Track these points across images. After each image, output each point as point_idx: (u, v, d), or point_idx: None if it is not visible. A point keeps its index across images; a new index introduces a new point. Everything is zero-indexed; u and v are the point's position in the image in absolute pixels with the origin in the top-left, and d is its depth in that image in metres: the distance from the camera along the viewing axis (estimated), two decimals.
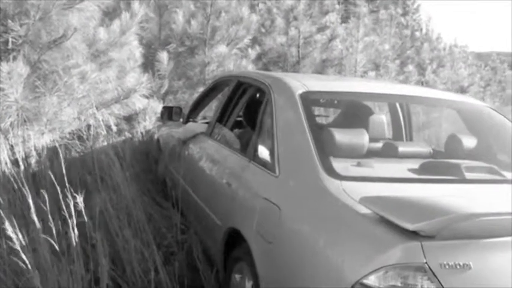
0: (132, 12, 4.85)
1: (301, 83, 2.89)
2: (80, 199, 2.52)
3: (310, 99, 2.74)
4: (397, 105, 4.03)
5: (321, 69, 9.15)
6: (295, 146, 2.52)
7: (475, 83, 13.98)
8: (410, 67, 10.35)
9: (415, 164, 2.64)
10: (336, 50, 9.52)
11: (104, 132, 3.73)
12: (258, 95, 3.94)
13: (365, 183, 2.20)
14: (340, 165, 2.32)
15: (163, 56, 6.41)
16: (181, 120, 4.77)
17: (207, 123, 4.54)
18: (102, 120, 4.10)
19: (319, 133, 2.51)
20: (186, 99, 6.80)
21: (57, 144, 3.16)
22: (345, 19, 11.34)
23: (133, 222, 3.30)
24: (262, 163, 2.69)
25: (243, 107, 3.80)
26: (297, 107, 2.64)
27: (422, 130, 4.19)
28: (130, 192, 3.31)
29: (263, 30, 9.54)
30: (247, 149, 3.02)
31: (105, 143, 3.92)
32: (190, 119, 4.72)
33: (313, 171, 2.26)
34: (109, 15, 5.24)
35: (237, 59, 7.25)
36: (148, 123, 5.21)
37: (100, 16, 4.61)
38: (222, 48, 6.88)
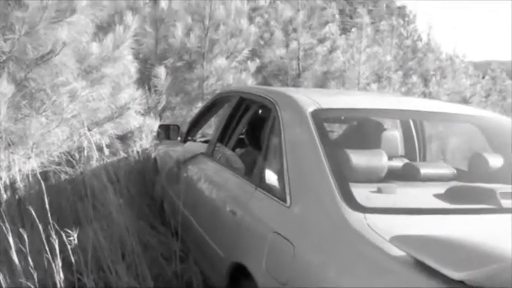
0: (126, 25, 4.58)
1: (311, 99, 2.61)
2: (74, 235, 2.24)
3: (322, 118, 2.46)
4: (410, 120, 3.75)
5: (323, 82, 8.89)
6: (308, 171, 2.23)
7: (477, 93, 13.76)
8: (414, 78, 10.10)
9: (441, 189, 2.35)
10: (337, 62, 9.27)
11: (96, 155, 3.43)
12: (262, 113, 3.67)
13: (392, 217, 1.90)
14: (360, 193, 2.03)
15: (161, 70, 6.15)
16: (179, 138, 4.49)
17: (206, 141, 4.27)
18: (94, 142, 3.82)
19: (335, 156, 2.22)
20: (184, 115, 6.52)
21: (38, 172, 2.87)
22: (342, 31, 11.13)
23: (127, 254, 3.00)
24: (271, 190, 2.40)
25: (246, 126, 3.53)
26: (309, 126, 2.35)
27: (428, 144, 3.92)
28: (125, 219, 3.02)
29: (262, 42, 9.30)
30: (252, 173, 2.73)
31: (98, 165, 3.61)
32: (189, 138, 4.44)
33: (331, 202, 1.97)
34: (103, 29, 4.97)
35: (236, 73, 6.99)
36: (144, 141, 4.92)
37: (93, 31, 4.34)
38: (221, 61, 6.63)
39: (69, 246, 2.27)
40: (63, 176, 3.36)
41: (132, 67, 4.88)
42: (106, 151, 3.61)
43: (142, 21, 6.52)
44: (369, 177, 2.45)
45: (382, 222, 1.80)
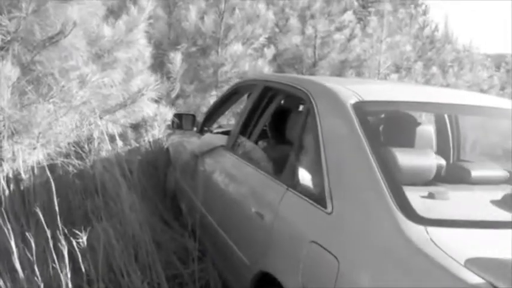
0: (140, 7, 4.29)
1: (351, 90, 2.32)
2: (83, 238, 1.97)
3: (365, 111, 2.16)
4: (445, 115, 3.44)
5: (340, 71, 8.56)
6: (353, 172, 1.94)
7: (495, 85, 13.36)
8: (434, 69, 9.72)
9: (494, 193, 2.07)
10: (355, 51, 8.92)
11: (108, 146, 3.14)
12: (291, 104, 3.38)
13: (459, 231, 1.61)
14: (413, 199, 1.75)
15: (176, 56, 5.84)
16: (194, 129, 4.21)
17: (225, 133, 3.99)
18: (105, 131, 3.54)
19: (384, 155, 1.93)
20: (198, 103, 6.22)
21: (45, 165, 2.59)
22: (357, 20, 10.75)
23: (140, 255, 2.74)
24: (306, 192, 2.12)
25: (271, 118, 3.24)
26: (351, 120, 2.06)
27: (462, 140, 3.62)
28: (138, 216, 2.75)
29: (277, 29, 8.97)
30: (282, 171, 2.43)
31: (109, 156, 3.32)
32: (205, 128, 4.16)
33: (384, 211, 1.68)
34: (114, 14, 4.68)
35: (252, 60, 6.67)
36: (157, 131, 4.63)
37: (104, 13, 4.06)
38: (236, 47, 6.30)
39: (78, 250, 2.00)
40: (71, 169, 3.08)
41: (146, 52, 4.59)
42: (119, 142, 3.31)
43: (155, 5, 6.22)
44: (417, 180, 2.16)
45: (449, 239, 1.52)
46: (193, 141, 4.01)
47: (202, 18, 6.54)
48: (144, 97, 4.29)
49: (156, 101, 4.75)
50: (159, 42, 6.68)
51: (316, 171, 2.09)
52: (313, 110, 2.31)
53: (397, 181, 1.80)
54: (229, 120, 5.83)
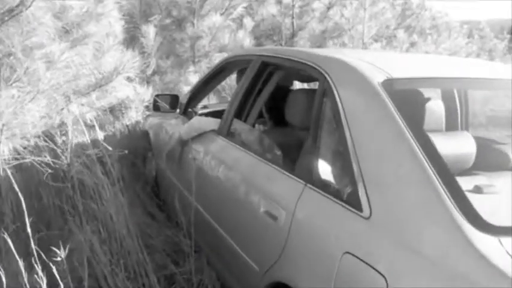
0: None
1: (374, 65, 1.96)
2: (61, 255, 1.59)
3: (397, 91, 1.81)
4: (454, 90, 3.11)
5: (320, 42, 8.17)
6: (396, 166, 1.59)
7: (473, 52, 13.22)
8: (415, 37, 9.41)
9: None
10: (334, 20, 8.52)
11: (84, 135, 2.70)
12: (289, 81, 3.01)
13: None
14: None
15: (150, 30, 5.35)
16: (177, 111, 3.80)
17: (212, 114, 3.60)
18: (79, 116, 3.11)
19: (430, 144, 1.58)
20: (175, 80, 5.76)
21: (10, 165, 2.17)
22: None
23: (130, 262, 2.37)
24: (332, 191, 1.77)
25: (271, 98, 2.87)
26: (385, 103, 1.71)
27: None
28: (126, 220, 2.37)
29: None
30: (296, 163, 2.08)
31: (85, 147, 2.89)
32: (189, 109, 3.75)
33: (443, 217, 1.35)
34: None
35: (231, 32, 6.22)
36: (134, 113, 4.19)
37: None
38: (215, 19, 5.83)
39: (55, 272, 1.62)
40: (44, 169, 2.62)
41: (117, 26, 4.12)
42: (96, 128, 2.87)
43: None
44: (455, 168, 1.84)
45: None
46: (177, 124, 3.61)
47: None
48: (120, 76, 3.85)
49: (131, 80, 4.31)
50: (130, 14, 6.17)
51: (345, 165, 1.74)
52: (330, 90, 1.95)
53: (451, 176, 1.47)
54: (211, 99, 5.43)
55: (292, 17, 8.37)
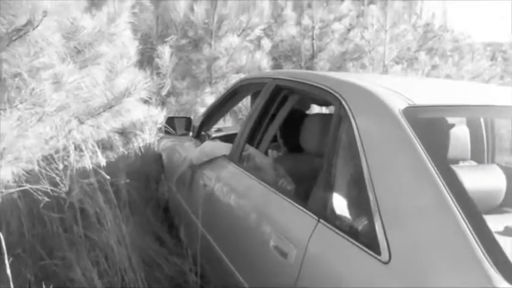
0: None
1: (395, 91, 1.81)
2: None
3: (420, 120, 1.66)
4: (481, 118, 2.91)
5: (340, 63, 8.05)
6: (419, 204, 1.42)
7: (496, 75, 12.92)
8: (437, 59, 9.21)
9: None
10: (354, 41, 8.40)
11: (87, 159, 2.57)
12: (305, 106, 2.87)
13: None
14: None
15: (165, 50, 5.28)
16: (190, 133, 3.69)
17: (225, 138, 3.47)
18: (87, 138, 3.01)
19: (456, 180, 1.42)
20: (191, 101, 5.67)
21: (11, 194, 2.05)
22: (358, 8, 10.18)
23: None
24: (348, 230, 1.60)
25: (284, 123, 2.73)
26: (406, 133, 1.55)
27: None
28: (128, 251, 2.23)
29: (272, 20, 8.42)
30: (309, 195, 1.92)
31: (90, 172, 2.76)
32: (203, 132, 3.63)
33: (471, 264, 1.19)
34: (95, 6, 4.12)
35: (248, 53, 6.13)
36: (147, 135, 4.09)
37: (84, 5, 3.51)
38: (232, 39, 5.75)
39: None
40: (41, 197, 2.49)
41: (132, 46, 4.04)
42: (102, 151, 2.74)
43: None
44: (484, 208, 1.66)
45: None
46: (189, 148, 3.49)
47: (192, 7, 5.99)
48: (132, 97, 3.75)
49: (145, 101, 4.22)
50: (147, 35, 6.13)
51: (360, 198, 1.58)
52: (347, 117, 1.80)
53: (479, 214, 1.30)
54: (226, 122, 5.32)
55: (312, 38, 8.29)
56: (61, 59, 3.06)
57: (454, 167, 1.61)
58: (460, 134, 2.17)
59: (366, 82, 1.97)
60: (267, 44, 6.51)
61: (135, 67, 3.95)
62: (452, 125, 2.17)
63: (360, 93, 1.88)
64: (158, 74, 5.36)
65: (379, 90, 1.83)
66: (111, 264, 2.17)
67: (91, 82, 3.48)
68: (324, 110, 4.70)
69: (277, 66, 7.79)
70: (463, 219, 1.25)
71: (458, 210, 1.28)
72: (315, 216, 1.76)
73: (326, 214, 1.73)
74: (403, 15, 10.24)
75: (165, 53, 5.31)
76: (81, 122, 3.24)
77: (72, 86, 3.02)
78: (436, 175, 1.38)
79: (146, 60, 5.46)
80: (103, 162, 2.75)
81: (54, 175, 2.37)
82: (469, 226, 1.24)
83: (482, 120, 2.77)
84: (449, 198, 1.31)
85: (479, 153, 2.75)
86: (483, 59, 13.29)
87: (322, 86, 2.11)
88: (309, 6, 8.23)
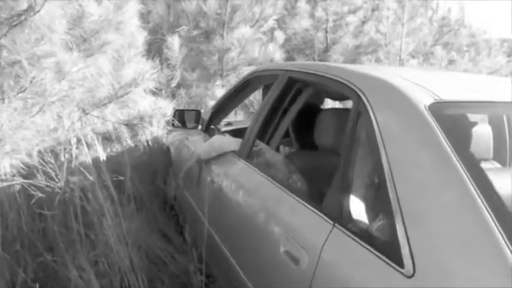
0: None
1: (420, 85, 1.65)
2: None
3: (447, 116, 1.50)
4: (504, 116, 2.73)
5: (354, 56, 7.86)
6: (447, 211, 1.27)
7: None
8: (454, 54, 8.97)
9: None
10: (369, 35, 8.20)
11: (88, 152, 2.44)
12: (323, 99, 2.72)
13: None
14: None
15: (174, 41, 5.13)
16: (199, 127, 3.56)
17: (234, 132, 3.34)
18: (92, 129, 2.88)
19: (489, 185, 1.26)
20: (201, 94, 5.52)
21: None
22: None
23: None
24: (367, 236, 1.45)
25: (298, 118, 2.58)
26: (433, 131, 1.40)
27: None
28: (129, 250, 2.09)
29: (285, 12, 8.23)
30: (323, 197, 1.77)
31: (92, 166, 2.62)
32: (212, 126, 3.50)
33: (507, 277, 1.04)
34: None
35: (261, 45, 5.97)
36: (155, 128, 3.95)
37: None
38: (244, 31, 5.58)
39: None
40: (35, 192, 2.36)
41: (139, 35, 3.90)
42: (98, 148, 2.58)
43: None
44: None
45: None
46: (198, 142, 3.35)
47: None
48: (139, 88, 3.62)
49: (154, 93, 4.09)
50: (158, 25, 6.00)
51: (380, 202, 1.44)
52: (366, 113, 1.65)
53: None
54: (237, 116, 5.17)
55: (326, 31, 8.11)
56: (65, 47, 2.92)
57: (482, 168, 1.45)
58: (483, 132, 2.01)
59: (387, 75, 1.81)
60: (280, 36, 6.34)
61: (142, 57, 3.81)
62: (475, 123, 2.02)
63: (381, 86, 1.72)
64: (168, 65, 5.22)
65: (402, 83, 1.67)
66: (111, 264, 2.05)
67: (97, 72, 3.34)
68: (338, 104, 4.53)
69: (290, 59, 7.62)
70: (496, 226, 1.11)
71: (491, 216, 1.13)
72: (329, 220, 1.62)
73: (342, 218, 1.58)
74: (419, 9, 10.00)
75: (174, 44, 5.17)
76: (86, 113, 3.10)
77: (77, 76, 2.87)
78: (466, 177, 1.23)
79: (156, 50, 5.32)
80: (103, 156, 2.60)
81: (49, 169, 2.24)
82: (503, 233, 1.10)
83: (505, 118, 2.60)
84: (481, 203, 1.17)
85: (502, 153, 2.58)
86: (500, 55, 12.99)
87: (339, 79, 1.95)
88: None
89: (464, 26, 12.16)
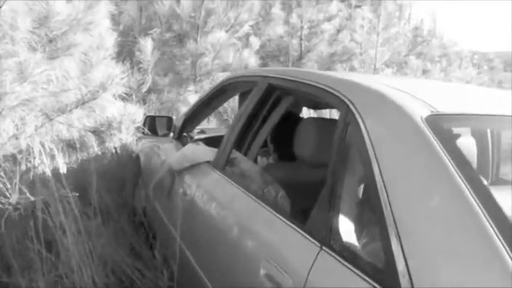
0: None
1: (411, 95, 1.53)
2: None
3: (447, 131, 1.38)
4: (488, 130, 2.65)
5: (329, 64, 7.79)
6: (453, 235, 1.14)
7: (484, 83, 12.82)
8: (428, 64, 9.00)
9: None
10: (344, 43, 8.15)
11: (47, 161, 2.23)
12: (299, 108, 2.59)
13: None
14: None
15: (147, 43, 4.93)
16: (171, 134, 3.38)
17: (208, 140, 3.18)
18: (57, 137, 2.68)
19: (493, 202, 1.14)
20: (173, 99, 5.34)
21: None
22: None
23: None
24: (359, 261, 1.32)
25: (279, 128, 2.44)
26: (433, 146, 1.28)
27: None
28: (92, 270, 1.90)
29: (260, 18, 8.12)
30: (307, 217, 1.62)
31: (52, 177, 2.41)
32: (184, 134, 3.33)
33: None
34: None
35: (236, 50, 5.82)
36: (124, 135, 3.75)
37: None
38: (219, 35, 5.42)
39: None
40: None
41: (109, 36, 3.70)
42: (57, 157, 2.36)
43: None
44: None
45: None
46: (169, 150, 3.18)
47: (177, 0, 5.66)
48: (108, 92, 3.42)
49: (124, 98, 3.89)
50: (129, 28, 5.79)
51: (374, 222, 1.30)
52: (356, 125, 1.51)
53: None
54: (210, 123, 5.00)
55: (301, 39, 8.03)
56: (28, 47, 2.72)
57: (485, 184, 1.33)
58: (467, 145, 1.91)
59: (377, 84, 1.69)
60: (255, 42, 6.20)
61: (112, 60, 3.61)
62: (459, 135, 1.91)
63: (372, 96, 1.59)
64: (139, 69, 5.02)
65: (395, 93, 1.55)
66: (72, 284, 1.86)
67: (63, 75, 3.14)
68: (312, 113, 4.42)
69: (264, 65, 7.50)
70: (501, 242, 1.00)
71: (495, 232, 1.02)
72: (316, 242, 1.47)
73: (330, 239, 1.44)
74: (393, 19, 10.04)
75: (147, 47, 4.97)
76: (50, 119, 2.90)
77: (40, 78, 2.67)
78: (468, 192, 1.12)
79: (127, 53, 5.12)
80: (64, 169, 2.40)
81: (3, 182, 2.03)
82: (508, 249, 0.99)
83: (488, 130, 2.52)
84: (484, 219, 1.05)
85: (485, 166, 2.50)
86: (470, 67, 13.18)
87: (325, 87, 1.82)
88: (298, 5, 7.95)
89: (436, 37, 12.29)
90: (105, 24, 3.35)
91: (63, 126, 3.03)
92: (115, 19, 4.36)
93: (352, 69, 7.58)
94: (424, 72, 8.89)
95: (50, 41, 3.13)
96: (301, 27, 8.02)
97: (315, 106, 3.41)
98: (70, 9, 3.13)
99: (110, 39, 3.62)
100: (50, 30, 3.06)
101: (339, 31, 8.05)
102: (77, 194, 2.20)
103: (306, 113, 4.28)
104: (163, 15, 5.42)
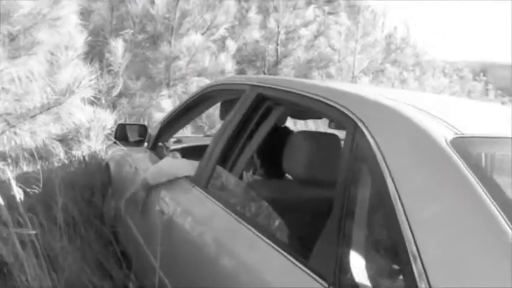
0: None
1: (436, 116, 1.33)
2: None
3: (474, 156, 1.19)
4: None
5: (306, 71, 7.63)
6: (483, 264, 0.95)
7: (456, 92, 12.92)
8: (405, 73, 8.95)
9: None
10: (320, 49, 8.02)
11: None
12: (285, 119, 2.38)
13: None
14: None
15: (118, 45, 4.65)
16: (145, 144, 3.13)
17: (186, 151, 2.95)
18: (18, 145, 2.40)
19: None
20: (145, 104, 5.06)
21: None
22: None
23: None
24: None
25: (266, 143, 2.23)
26: (461, 172, 1.08)
27: None
28: None
29: (236, 22, 7.91)
30: (311, 248, 1.40)
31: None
32: (160, 144, 3.08)
33: None
34: None
35: (212, 54, 5.59)
36: (93, 142, 3.47)
37: None
38: (194, 38, 5.18)
39: None
40: None
41: (78, 35, 3.42)
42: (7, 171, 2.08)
43: None
44: None
45: None
46: (143, 161, 2.93)
47: (152, 0, 5.40)
48: (76, 96, 3.15)
49: (93, 102, 3.61)
50: (99, 27, 5.49)
51: (395, 260, 1.10)
52: (368, 146, 1.30)
53: None
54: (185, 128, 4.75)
55: (277, 44, 7.85)
56: None
57: None
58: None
59: (388, 99, 1.49)
60: (232, 45, 5.98)
61: (80, 60, 3.34)
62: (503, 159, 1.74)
63: (386, 115, 1.38)
64: (109, 71, 4.73)
65: (412, 112, 1.35)
66: None
67: (26, 75, 2.86)
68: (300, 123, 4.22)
69: (241, 71, 7.29)
70: None
71: None
72: (322, 281, 1.25)
73: (338, 279, 1.23)
74: (368, 27, 9.98)
75: (118, 48, 4.69)
76: (11, 126, 2.61)
77: (1, 77, 2.39)
78: (503, 220, 0.95)
79: (97, 55, 4.82)
80: (21, 195, 2.11)
81: None
82: None
83: None
84: None
85: None
86: (442, 76, 13.28)
87: (329, 102, 1.60)
88: (275, 9, 7.78)
89: (409, 46, 12.32)
90: (73, 20, 3.09)
91: (26, 134, 2.74)
92: (85, 18, 4.08)
93: (329, 76, 7.44)
94: (402, 81, 8.82)
95: (13, 39, 2.84)
96: (278, 32, 7.86)
97: (300, 116, 3.21)
98: (34, 3, 2.86)
99: (80, 38, 3.35)
100: (11, 26, 2.77)
101: (316, 37, 7.90)
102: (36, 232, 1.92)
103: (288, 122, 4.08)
104: (136, 15, 5.15)
